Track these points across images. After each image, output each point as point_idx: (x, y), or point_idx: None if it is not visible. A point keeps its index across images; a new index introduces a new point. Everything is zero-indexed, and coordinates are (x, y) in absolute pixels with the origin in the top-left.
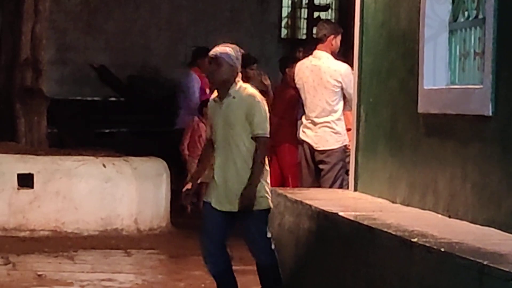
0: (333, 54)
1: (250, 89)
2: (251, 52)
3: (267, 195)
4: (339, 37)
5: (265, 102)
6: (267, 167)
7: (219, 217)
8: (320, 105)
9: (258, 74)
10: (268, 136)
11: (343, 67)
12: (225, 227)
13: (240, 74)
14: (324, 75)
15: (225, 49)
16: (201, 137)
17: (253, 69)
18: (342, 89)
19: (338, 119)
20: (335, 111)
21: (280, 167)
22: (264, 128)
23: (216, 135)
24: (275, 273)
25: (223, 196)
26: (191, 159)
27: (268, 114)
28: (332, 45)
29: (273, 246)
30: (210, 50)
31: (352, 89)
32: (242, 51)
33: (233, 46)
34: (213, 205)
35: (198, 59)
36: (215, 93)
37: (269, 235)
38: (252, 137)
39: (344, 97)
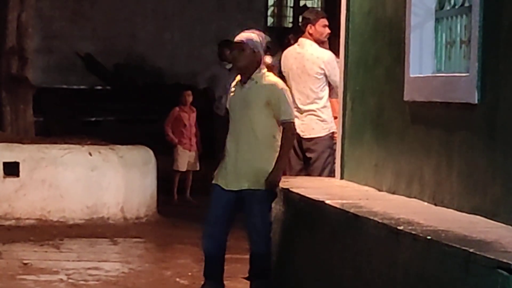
0: (317, 41)
1: (272, 77)
2: None
3: None
4: (318, 24)
5: (288, 90)
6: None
7: (226, 198)
8: (305, 92)
9: None
10: (293, 121)
11: (326, 54)
12: (231, 209)
13: (264, 61)
14: (307, 62)
15: (250, 35)
16: (185, 127)
17: None
18: (326, 76)
19: (324, 107)
20: (320, 98)
21: None
22: (289, 114)
23: (232, 118)
24: (267, 262)
25: (232, 176)
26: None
27: (292, 101)
28: (310, 34)
29: (271, 234)
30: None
31: (336, 77)
32: (268, 38)
33: (259, 32)
34: (221, 185)
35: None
36: (238, 78)
37: (271, 221)
38: (280, 124)
39: (330, 85)
